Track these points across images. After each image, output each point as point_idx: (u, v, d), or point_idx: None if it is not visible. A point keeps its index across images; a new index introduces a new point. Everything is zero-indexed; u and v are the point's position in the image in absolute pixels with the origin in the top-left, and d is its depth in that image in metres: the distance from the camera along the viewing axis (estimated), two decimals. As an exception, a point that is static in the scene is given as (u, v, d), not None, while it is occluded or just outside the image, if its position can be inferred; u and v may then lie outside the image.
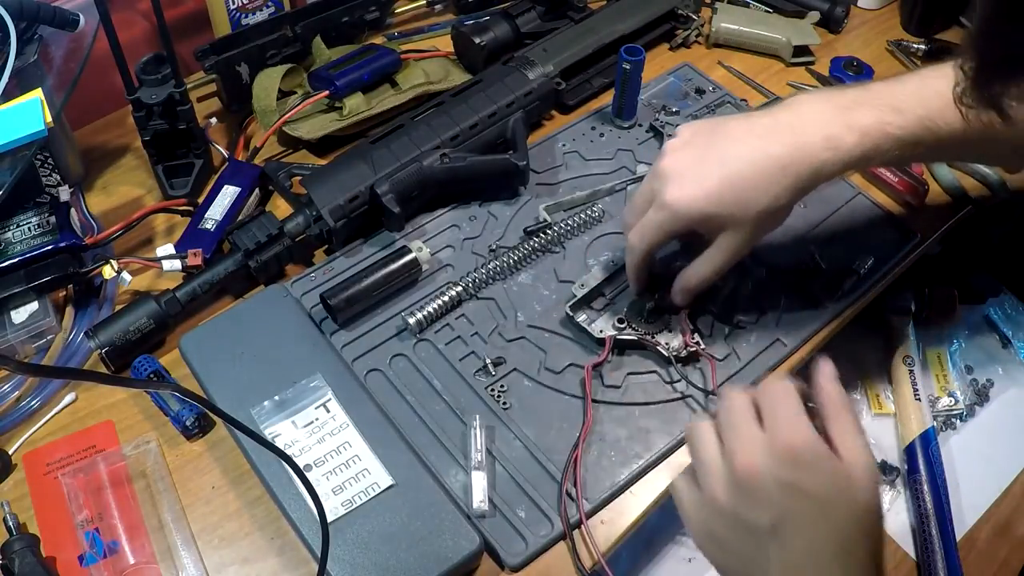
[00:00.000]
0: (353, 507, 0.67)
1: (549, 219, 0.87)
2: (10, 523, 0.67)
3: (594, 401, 0.75)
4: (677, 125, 0.96)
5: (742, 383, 0.77)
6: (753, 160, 0.66)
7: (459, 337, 0.80)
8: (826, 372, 0.55)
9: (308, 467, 0.69)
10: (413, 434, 0.73)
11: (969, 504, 0.86)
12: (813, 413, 0.54)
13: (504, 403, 0.75)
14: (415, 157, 0.86)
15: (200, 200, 0.90)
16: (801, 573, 0.51)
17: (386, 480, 0.68)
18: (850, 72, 1.06)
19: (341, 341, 0.79)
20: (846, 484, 0.51)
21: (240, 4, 1.03)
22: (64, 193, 0.85)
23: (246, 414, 0.71)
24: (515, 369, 0.78)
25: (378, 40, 1.08)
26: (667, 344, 0.77)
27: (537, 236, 0.86)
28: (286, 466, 0.60)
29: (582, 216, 0.88)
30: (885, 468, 0.90)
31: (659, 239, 0.72)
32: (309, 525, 0.66)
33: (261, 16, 1.05)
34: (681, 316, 0.78)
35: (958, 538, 0.83)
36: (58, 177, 0.89)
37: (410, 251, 0.82)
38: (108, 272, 0.80)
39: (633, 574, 0.83)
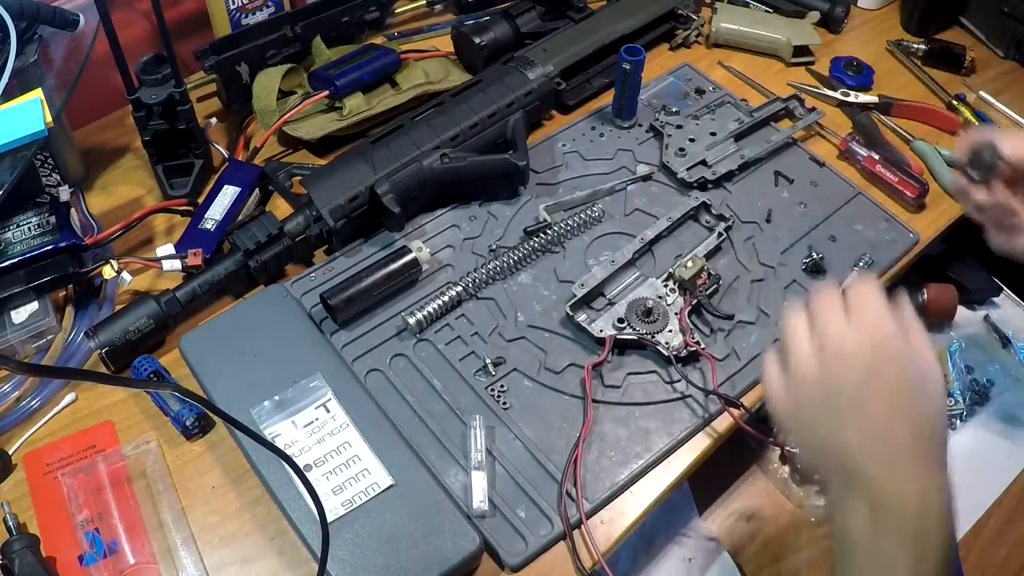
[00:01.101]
0: (353, 507, 0.67)
1: (549, 219, 0.87)
2: (10, 523, 0.67)
3: (594, 401, 0.75)
4: (677, 125, 0.96)
5: (742, 383, 0.77)
6: None
7: (459, 337, 0.80)
8: (901, 302, 0.59)
9: (308, 467, 0.69)
10: (413, 434, 0.73)
11: (969, 504, 0.86)
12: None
13: (504, 403, 0.75)
14: (415, 157, 0.86)
15: (200, 200, 0.90)
16: (876, 442, 0.54)
17: (386, 480, 0.68)
18: (850, 72, 1.06)
19: (341, 341, 0.79)
20: (919, 376, 0.55)
21: (240, 4, 1.03)
22: (64, 193, 0.85)
23: (246, 414, 0.71)
24: (515, 369, 0.78)
25: (378, 40, 1.08)
26: (667, 344, 0.77)
27: (537, 236, 0.86)
28: (286, 466, 0.60)
29: (582, 216, 0.88)
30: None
31: None
32: (309, 525, 0.66)
33: (261, 16, 1.05)
34: (681, 316, 0.78)
35: (958, 538, 0.83)
36: (58, 177, 0.89)
37: (410, 251, 0.82)
38: (108, 272, 0.80)
39: (633, 574, 0.83)
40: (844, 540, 0.55)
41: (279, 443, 0.70)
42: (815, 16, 1.10)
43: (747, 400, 0.76)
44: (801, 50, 1.08)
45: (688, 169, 0.92)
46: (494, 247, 0.86)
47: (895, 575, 0.52)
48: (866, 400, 0.55)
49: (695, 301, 0.80)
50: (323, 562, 0.58)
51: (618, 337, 0.78)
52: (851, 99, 1.03)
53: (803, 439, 0.59)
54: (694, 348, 0.77)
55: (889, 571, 0.53)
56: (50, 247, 0.80)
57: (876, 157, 0.94)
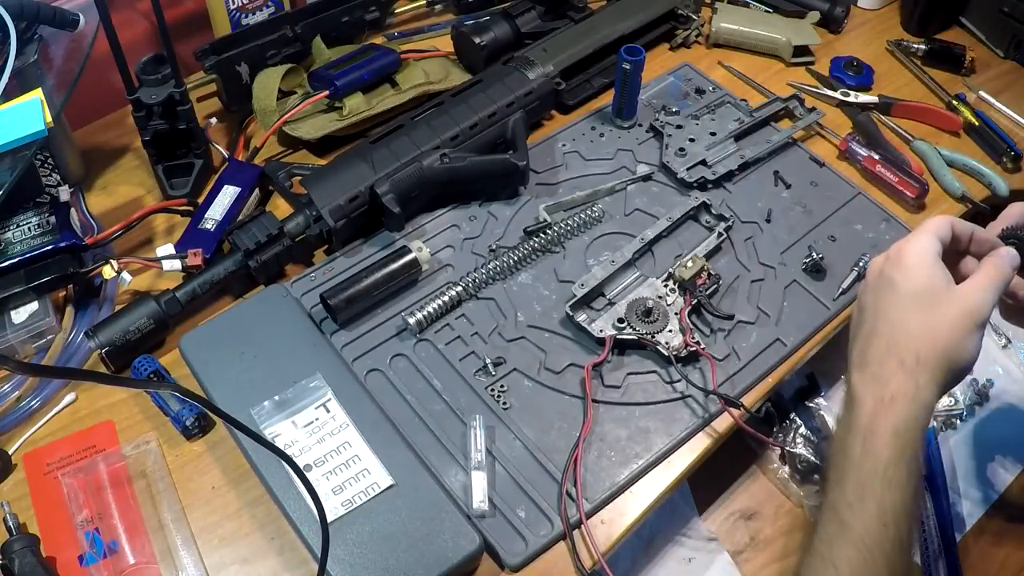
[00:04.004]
0: (353, 507, 0.67)
1: (549, 219, 0.87)
2: (10, 523, 0.67)
3: (594, 401, 0.75)
4: (677, 125, 0.96)
5: (742, 383, 0.77)
6: None
7: (459, 337, 0.80)
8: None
9: (308, 467, 0.69)
10: (413, 434, 0.73)
11: (969, 504, 0.86)
12: None
13: (504, 403, 0.75)
14: (415, 157, 0.86)
15: (200, 200, 0.90)
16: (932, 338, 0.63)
17: (386, 480, 0.68)
18: (850, 72, 1.06)
19: (341, 341, 0.79)
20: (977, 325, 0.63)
21: (240, 4, 1.03)
22: (64, 193, 0.85)
23: (246, 414, 0.71)
24: (515, 369, 0.78)
25: (378, 40, 1.08)
26: (667, 344, 0.77)
27: (537, 236, 0.86)
28: (286, 466, 0.60)
29: (582, 216, 0.88)
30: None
31: None
32: (309, 525, 0.66)
33: (261, 16, 1.05)
34: (681, 316, 0.78)
35: (958, 538, 0.83)
36: (58, 177, 0.89)
37: (410, 251, 0.82)
38: (108, 272, 0.80)
39: (633, 574, 0.83)
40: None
41: (279, 443, 0.70)
42: (815, 16, 1.10)
43: (747, 400, 0.76)
44: (801, 50, 1.08)
45: (688, 169, 0.92)
46: (494, 247, 0.86)
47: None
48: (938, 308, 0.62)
49: (695, 301, 0.80)
50: (323, 562, 0.58)
51: (618, 337, 0.78)
52: (851, 99, 1.03)
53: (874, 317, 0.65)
54: (694, 348, 0.77)
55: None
56: (50, 247, 0.80)
57: (876, 157, 0.94)
